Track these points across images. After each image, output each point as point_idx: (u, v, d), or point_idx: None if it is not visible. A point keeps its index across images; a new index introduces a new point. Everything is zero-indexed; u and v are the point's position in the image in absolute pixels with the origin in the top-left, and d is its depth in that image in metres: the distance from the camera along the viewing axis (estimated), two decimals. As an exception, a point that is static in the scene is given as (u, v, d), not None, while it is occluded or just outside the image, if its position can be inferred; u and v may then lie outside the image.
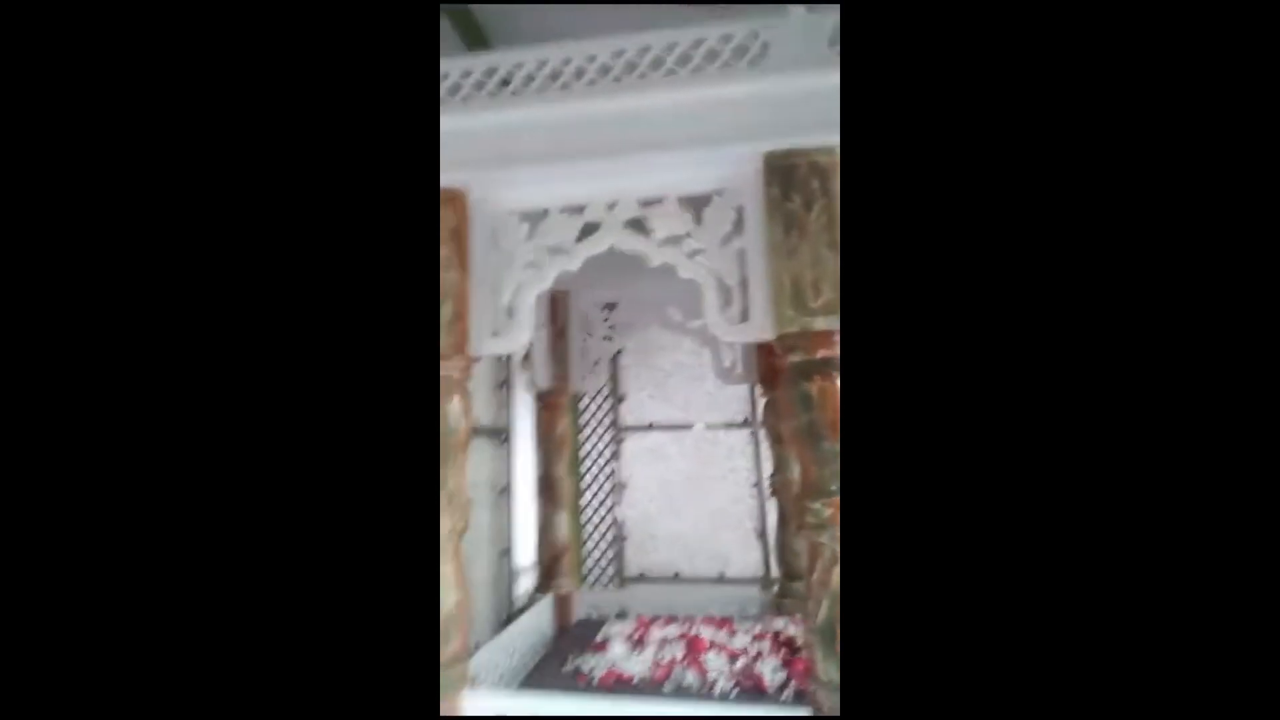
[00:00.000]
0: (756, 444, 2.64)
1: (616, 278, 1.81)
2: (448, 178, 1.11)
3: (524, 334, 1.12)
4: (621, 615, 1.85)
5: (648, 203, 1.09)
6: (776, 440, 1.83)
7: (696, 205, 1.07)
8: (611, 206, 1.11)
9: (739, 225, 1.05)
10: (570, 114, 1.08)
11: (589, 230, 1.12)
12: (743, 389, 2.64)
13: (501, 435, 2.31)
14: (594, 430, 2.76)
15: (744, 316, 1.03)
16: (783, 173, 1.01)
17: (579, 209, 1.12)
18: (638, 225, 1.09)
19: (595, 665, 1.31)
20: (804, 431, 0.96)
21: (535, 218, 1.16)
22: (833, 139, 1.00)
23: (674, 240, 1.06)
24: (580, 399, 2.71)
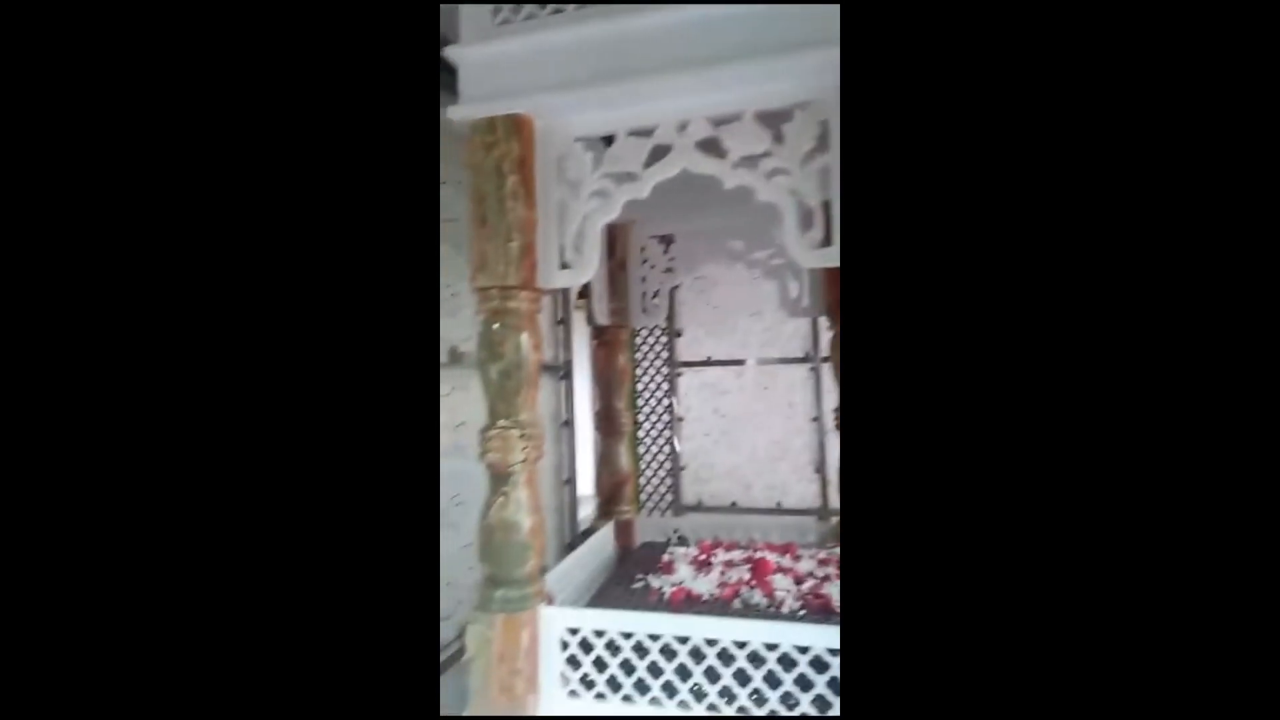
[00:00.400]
0: (817, 378, 2.59)
1: (677, 210, 1.75)
2: (511, 105, 1.08)
3: (591, 266, 1.10)
4: (683, 541, 1.91)
5: (722, 121, 1.03)
6: (843, 373, 1.79)
7: (776, 121, 1.00)
8: (682, 127, 1.05)
9: (823, 142, 0.98)
10: (634, 28, 1.01)
11: (658, 155, 1.07)
12: (803, 325, 2.58)
13: (561, 371, 2.35)
14: (651, 364, 2.78)
15: (826, 240, 0.98)
16: (873, 80, 0.93)
17: (648, 132, 1.07)
18: (711, 146, 1.03)
19: (663, 584, 1.36)
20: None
21: (602, 144, 1.11)
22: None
23: (751, 160, 1.00)
24: (637, 334, 2.71)
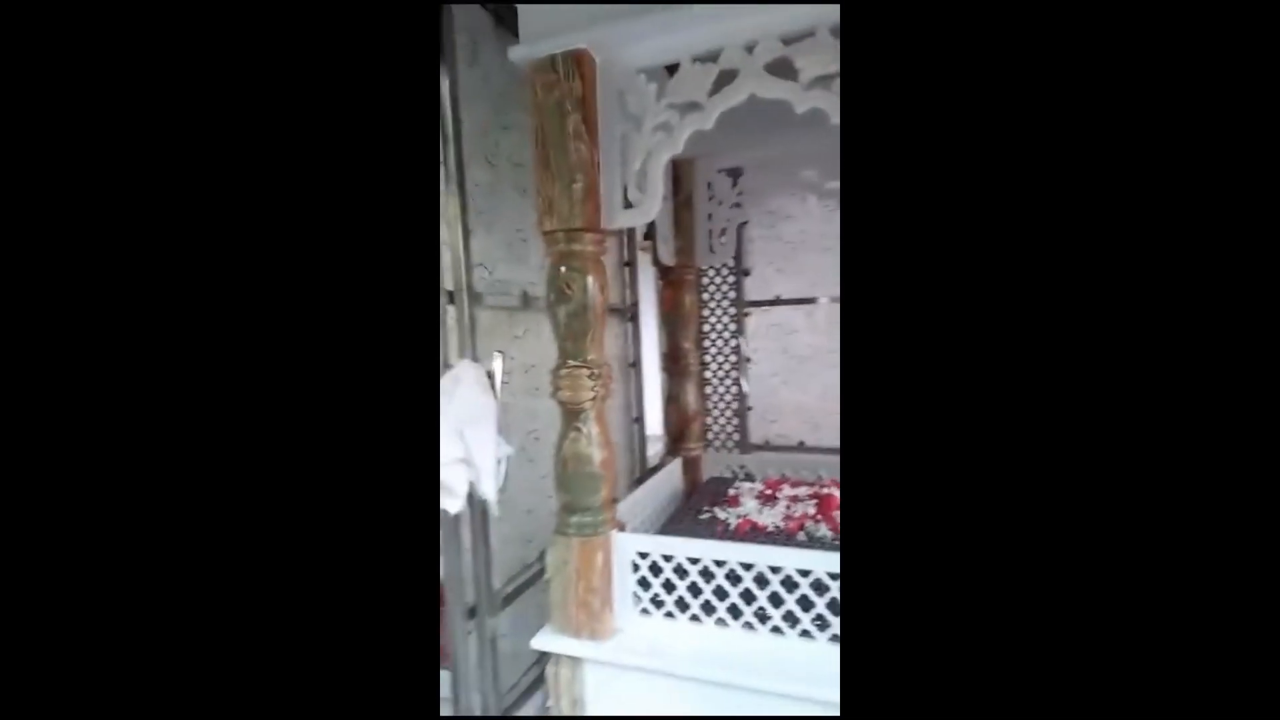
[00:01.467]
0: (891, 317, 2.48)
1: (745, 140, 1.68)
2: (570, 40, 1.05)
3: (655, 204, 1.09)
4: (750, 477, 1.95)
5: (792, 39, 0.96)
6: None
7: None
8: (750, 48, 0.99)
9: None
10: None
11: (724, 81, 1.02)
12: (878, 258, 2.44)
13: (628, 313, 2.38)
14: (719, 305, 2.75)
15: (904, 167, 0.91)
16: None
17: (713, 56, 1.02)
18: (782, 67, 0.97)
19: (729, 516, 1.41)
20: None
21: (666, 75, 1.08)
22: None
23: (825, 80, 0.94)
24: (704, 274, 2.68)
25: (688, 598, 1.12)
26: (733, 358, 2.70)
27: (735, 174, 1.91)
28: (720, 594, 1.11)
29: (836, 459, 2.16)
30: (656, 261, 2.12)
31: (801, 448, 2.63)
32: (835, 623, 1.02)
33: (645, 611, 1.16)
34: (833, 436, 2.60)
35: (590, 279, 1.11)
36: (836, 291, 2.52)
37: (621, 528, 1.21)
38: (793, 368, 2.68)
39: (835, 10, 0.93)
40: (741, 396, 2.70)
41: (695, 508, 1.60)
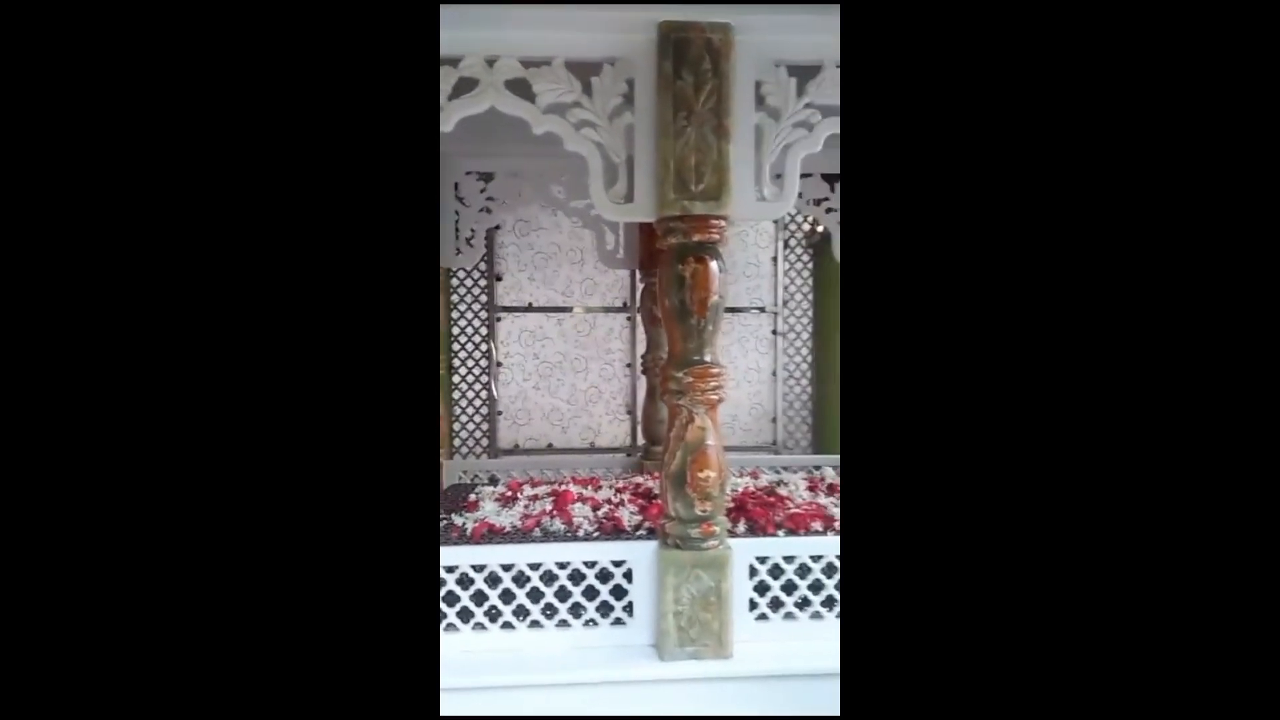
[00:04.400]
0: (634, 328, 2.76)
1: (496, 145, 1.69)
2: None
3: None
4: (493, 480, 1.95)
5: (532, 63, 1.02)
6: (652, 322, 1.93)
7: (586, 73, 1.03)
8: (491, 62, 1.02)
9: (629, 99, 1.03)
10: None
11: (464, 88, 1.03)
12: (623, 274, 2.70)
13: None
14: (469, 308, 2.69)
15: (629, 196, 1.04)
16: (676, 47, 0.99)
17: (452, 61, 1.02)
18: (521, 87, 1.02)
19: (466, 520, 1.40)
20: (675, 310, 1.04)
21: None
22: (727, 16, 0.99)
23: (560, 108, 1.02)
24: (452, 275, 2.60)
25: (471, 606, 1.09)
26: (483, 363, 2.67)
27: (487, 177, 1.91)
28: (451, 599, 1.09)
29: (583, 458, 2.31)
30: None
31: (551, 450, 2.74)
32: (563, 608, 1.10)
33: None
34: (579, 438, 2.77)
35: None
36: (590, 302, 2.70)
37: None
38: (544, 373, 2.77)
39: (573, 42, 1.01)
40: (492, 401, 2.69)
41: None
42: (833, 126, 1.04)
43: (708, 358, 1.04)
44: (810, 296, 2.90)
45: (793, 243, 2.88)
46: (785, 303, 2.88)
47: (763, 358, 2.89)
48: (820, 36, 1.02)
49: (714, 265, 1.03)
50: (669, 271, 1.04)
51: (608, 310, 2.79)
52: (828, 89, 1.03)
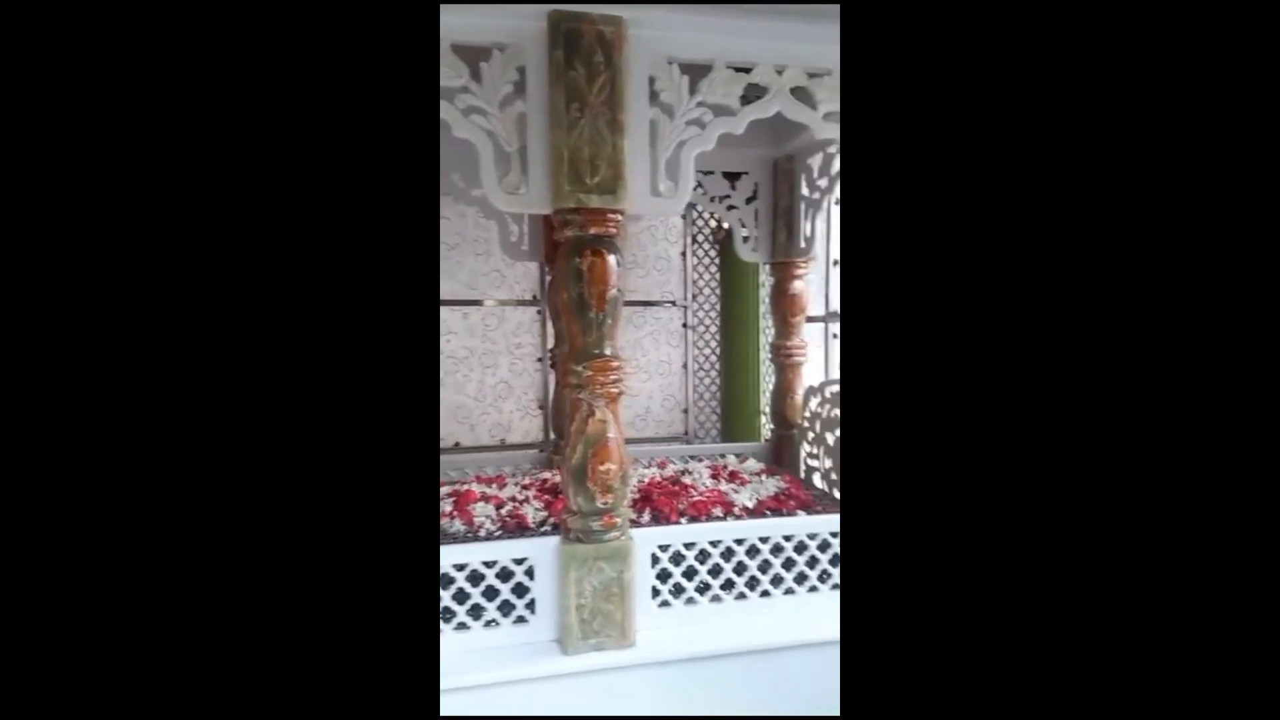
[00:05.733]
0: (544, 322, 2.71)
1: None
2: None
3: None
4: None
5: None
6: (556, 316, 1.91)
7: (475, 58, 0.99)
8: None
9: (520, 88, 1.01)
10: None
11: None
12: (532, 267, 2.64)
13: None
14: (366, 301, 2.54)
15: (522, 187, 1.02)
16: (568, 37, 0.98)
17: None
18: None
19: (364, 528, 1.32)
20: (574, 303, 1.03)
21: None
22: (619, 10, 0.99)
23: (448, 93, 0.97)
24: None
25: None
26: (385, 358, 2.54)
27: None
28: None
29: (493, 456, 2.24)
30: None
31: (458, 448, 2.64)
32: (461, 610, 1.07)
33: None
34: (489, 435, 2.69)
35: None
36: (498, 295, 2.63)
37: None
38: (449, 369, 2.67)
39: (460, 26, 0.97)
40: (395, 399, 2.56)
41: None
42: (725, 126, 1.07)
43: (608, 351, 1.05)
44: (718, 291, 2.99)
45: (700, 238, 2.95)
46: (694, 297, 2.95)
47: (674, 350, 2.94)
48: (711, 37, 1.05)
49: (611, 259, 1.03)
50: (566, 265, 1.03)
51: (519, 303, 2.73)
52: (719, 88, 1.06)
